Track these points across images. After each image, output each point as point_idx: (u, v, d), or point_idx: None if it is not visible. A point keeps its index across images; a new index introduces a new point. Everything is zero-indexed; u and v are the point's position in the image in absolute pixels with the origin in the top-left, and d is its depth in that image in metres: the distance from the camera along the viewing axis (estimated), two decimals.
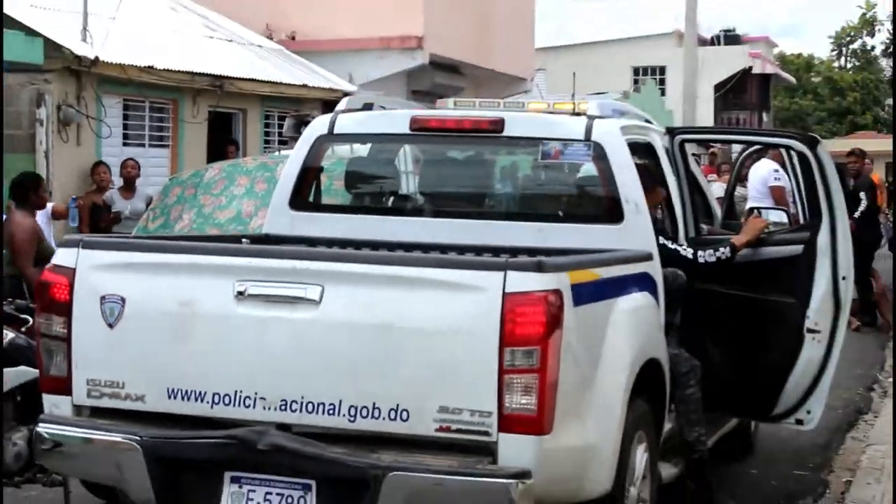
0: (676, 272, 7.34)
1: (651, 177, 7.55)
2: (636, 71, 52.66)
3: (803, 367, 7.85)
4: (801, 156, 8.19)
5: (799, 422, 8.07)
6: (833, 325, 7.86)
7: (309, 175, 7.97)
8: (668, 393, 6.92)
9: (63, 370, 6.02)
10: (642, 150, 7.82)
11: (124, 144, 18.08)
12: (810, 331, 7.83)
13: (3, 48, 13.69)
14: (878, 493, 8.29)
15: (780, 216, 9.62)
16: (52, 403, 6.09)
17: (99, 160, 15.96)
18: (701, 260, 7.39)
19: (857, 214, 14.92)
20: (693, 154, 16.14)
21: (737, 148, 28.33)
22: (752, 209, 10.07)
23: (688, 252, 7.42)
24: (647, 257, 6.90)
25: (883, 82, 64.03)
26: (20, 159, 14.54)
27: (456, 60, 26.11)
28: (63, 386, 6.03)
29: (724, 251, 7.46)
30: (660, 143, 8.11)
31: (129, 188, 15.10)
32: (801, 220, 8.50)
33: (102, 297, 5.94)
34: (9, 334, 7.51)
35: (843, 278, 7.89)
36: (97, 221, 14.41)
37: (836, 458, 9.80)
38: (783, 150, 9.21)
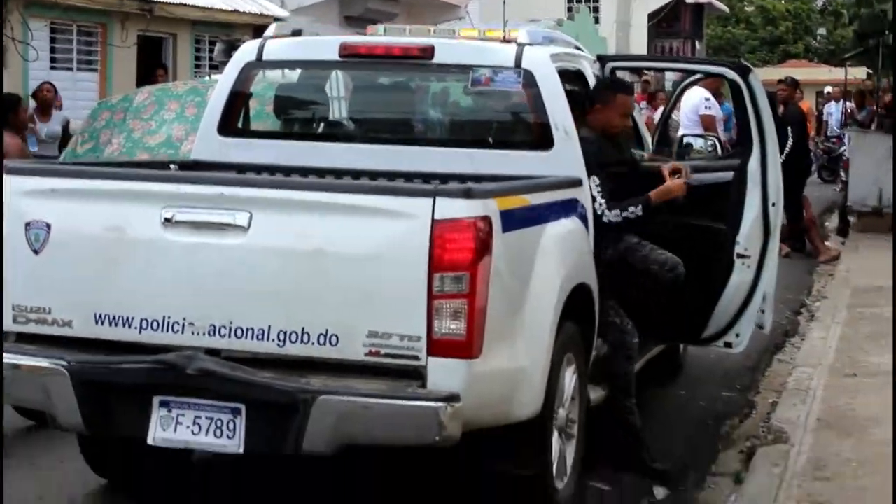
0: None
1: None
2: None
3: (732, 292, 7.95)
4: (734, 84, 8.23)
5: (728, 345, 8.20)
6: (762, 251, 7.96)
7: (237, 101, 7.90)
8: (597, 317, 6.94)
9: None
10: (573, 78, 7.83)
11: (52, 69, 17.90)
12: (740, 256, 7.93)
13: None
14: (802, 413, 8.40)
15: (708, 143, 9.69)
16: None
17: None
18: (605, 219, 7.29)
19: (786, 151, 15.06)
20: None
21: (670, 76, 28.56)
22: (682, 137, 10.13)
23: (599, 207, 7.38)
24: (577, 183, 6.91)
25: (815, 12, 64.29)
26: None
27: None
28: None
29: (634, 210, 7.32)
30: (590, 70, 8.13)
31: (45, 112, 14.84)
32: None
33: (27, 224, 5.90)
34: None
35: (773, 205, 7.99)
36: None
37: (763, 380, 9.91)
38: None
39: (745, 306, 7.99)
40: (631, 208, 7.31)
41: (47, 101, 14.99)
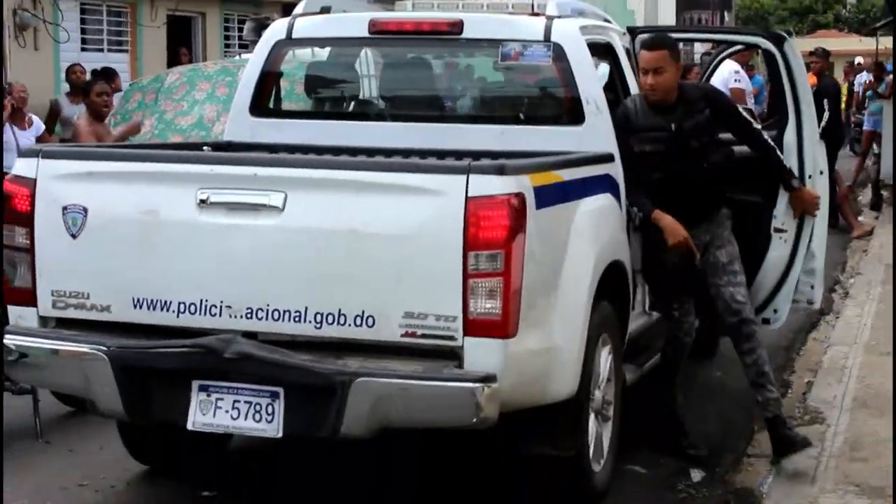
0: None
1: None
2: None
3: (770, 267, 7.89)
4: (768, 53, 8.17)
5: (766, 321, 8.09)
6: (799, 225, 7.89)
7: (268, 80, 7.91)
8: (631, 294, 6.93)
9: (28, 281, 6.00)
10: (602, 50, 7.80)
11: (82, 50, 17.94)
12: (777, 230, 7.85)
13: None
14: (839, 392, 8.38)
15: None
16: (18, 315, 6.08)
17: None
18: None
19: (822, 124, 14.94)
20: None
21: (698, 49, 28.40)
22: None
23: None
24: (609, 158, 6.88)
25: None
26: None
27: None
28: (28, 297, 6.02)
29: (636, 212, 7.15)
30: (619, 43, 8.08)
31: (77, 93, 14.24)
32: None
33: (65, 208, 5.91)
34: None
35: (810, 177, 7.92)
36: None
37: (798, 359, 9.87)
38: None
39: (783, 281, 7.94)
40: (635, 209, 7.14)
41: (80, 82, 14.47)
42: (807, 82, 8.09)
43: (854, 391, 8.31)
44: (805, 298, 8.19)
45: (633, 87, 7.85)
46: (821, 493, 6.50)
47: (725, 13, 58.91)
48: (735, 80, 16.58)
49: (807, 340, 10.50)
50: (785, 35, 8.30)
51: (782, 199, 7.77)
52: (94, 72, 14.51)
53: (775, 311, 8.01)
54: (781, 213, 7.81)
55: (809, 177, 7.91)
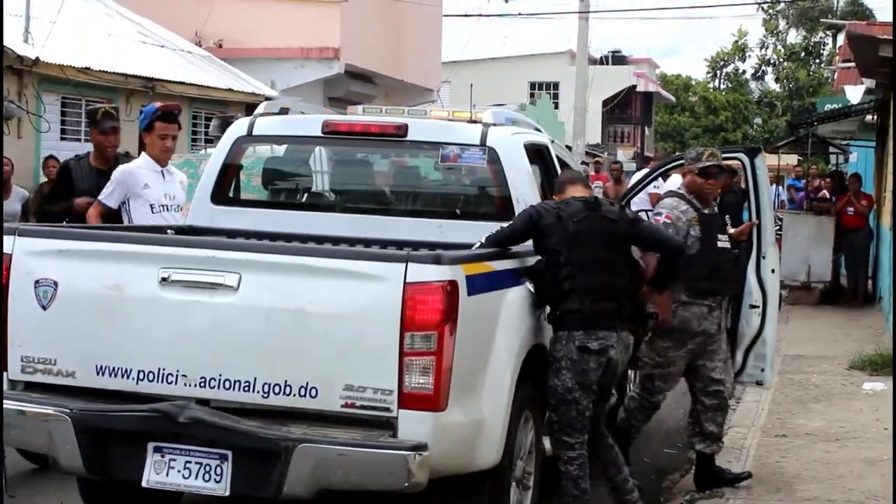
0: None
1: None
2: (532, 86, 52.90)
3: (748, 334, 8.27)
4: (741, 162, 8.52)
5: (759, 382, 8.59)
6: (763, 302, 8.24)
7: (229, 172, 7.95)
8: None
9: None
10: (539, 153, 7.94)
11: (62, 139, 17.91)
12: (752, 306, 8.22)
13: None
14: (736, 469, 8.39)
15: None
16: None
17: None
18: None
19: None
20: (582, 162, 16.36)
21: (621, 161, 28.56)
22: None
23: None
24: (535, 252, 6.92)
25: (752, 103, 64.84)
26: None
27: (369, 71, 26.10)
28: None
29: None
30: (550, 148, 8.19)
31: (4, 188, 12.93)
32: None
33: (37, 281, 5.88)
34: None
35: (773, 271, 8.29)
36: None
37: None
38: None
39: (753, 346, 8.33)
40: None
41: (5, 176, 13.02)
42: (767, 188, 8.49)
43: (751, 469, 8.33)
44: (754, 379, 8.49)
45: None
46: None
47: (646, 127, 59.63)
48: (654, 187, 17.12)
49: None
50: (759, 148, 8.63)
51: (748, 285, 8.16)
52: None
53: (762, 370, 8.41)
54: (749, 295, 8.22)
55: (773, 271, 8.29)
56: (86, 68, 17.23)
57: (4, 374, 5.96)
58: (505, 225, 6.63)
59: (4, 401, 5.86)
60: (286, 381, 5.56)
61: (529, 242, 6.75)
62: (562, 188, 6.95)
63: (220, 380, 5.63)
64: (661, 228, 7.41)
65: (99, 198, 8.15)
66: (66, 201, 8.55)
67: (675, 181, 17.55)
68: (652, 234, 7.16)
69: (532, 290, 6.55)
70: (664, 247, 7.13)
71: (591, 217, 6.67)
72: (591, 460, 6.85)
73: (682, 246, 7.40)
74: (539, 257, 6.61)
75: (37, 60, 16.09)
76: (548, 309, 6.66)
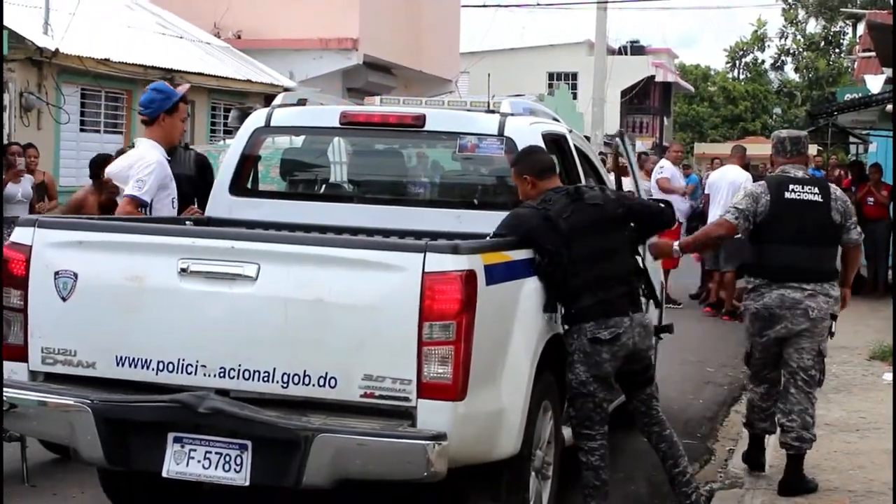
0: None
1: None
2: (551, 76, 52.92)
3: None
4: None
5: None
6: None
7: (247, 163, 7.96)
8: None
9: (20, 339, 5.97)
10: (557, 143, 7.89)
11: (81, 130, 17.95)
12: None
13: None
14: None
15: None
16: (10, 369, 6.02)
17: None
18: None
19: None
20: (600, 153, 16.34)
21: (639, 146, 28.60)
22: None
23: None
24: None
25: (771, 93, 64.68)
26: None
27: (388, 62, 26.09)
28: (20, 353, 5.98)
29: None
30: (568, 138, 8.18)
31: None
32: None
33: (56, 273, 5.90)
34: None
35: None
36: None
37: (721, 429, 9.90)
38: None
39: None
40: None
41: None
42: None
43: (770, 459, 8.30)
44: None
45: (581, 177, 7.94)
46: None
47: (665, 118, 59.50)
48: (659, 172, 18.38)
49: (729, 413, 10.52)
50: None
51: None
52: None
53: None
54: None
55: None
56: (105, 59, 17.29)
57: (25, 364, 5.98)
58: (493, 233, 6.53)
59: (26, 391, 5.91)
60: (305, 371, 5.56)
61: None
62: (542, 175, 6.77)
63: (239, 370, 5.64)
64: (646, 200, 7.43)
65: (134, 193, 7.41)
66: None
67: (669, 170, 18.22)
68: (643, 206, 7.16)
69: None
70: (658, 216, 7.14)
71: (578, 209, 6.56)
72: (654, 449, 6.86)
73: (673, 214, 7.47)
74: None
75: (56, 52, 16.14)
76: (561, 309, 6.65)
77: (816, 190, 7.54)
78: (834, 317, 7.60)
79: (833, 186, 7.81)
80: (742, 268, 8.07)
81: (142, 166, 7.50)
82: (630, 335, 6.57)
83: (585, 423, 6.59)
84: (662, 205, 7.95)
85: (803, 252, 7.46)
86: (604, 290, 6.52)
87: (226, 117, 20.04)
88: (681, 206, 17.19)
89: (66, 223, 6.23)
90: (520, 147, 7.15)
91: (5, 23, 15.07)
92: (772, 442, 8.46)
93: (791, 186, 7.51)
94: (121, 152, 9.37)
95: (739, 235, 7.73)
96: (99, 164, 9.53)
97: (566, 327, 6.59)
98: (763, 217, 7.49)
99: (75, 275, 5.88)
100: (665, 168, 18.76)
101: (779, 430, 7.67)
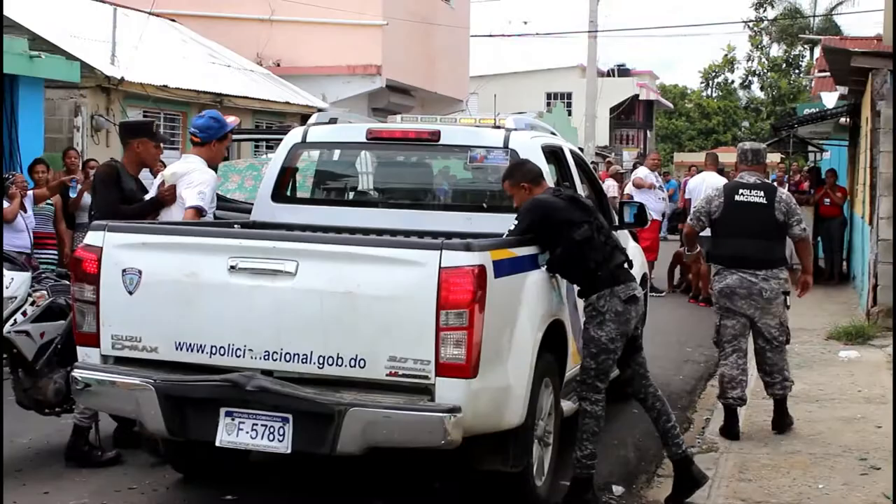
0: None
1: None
2: (549, 96, 52.76)
3: None
4: None
5: None
6: None
7: (286, 174, 7.98)
8: (569, 347, 6.89)
9: (93, 327, 5.99)
10: (555, 154, 7.91)
11: None
12: None
13: (49, 69, 13.60)
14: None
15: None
16: (85, 353, 6.06)
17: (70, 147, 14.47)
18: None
19: None
20: (592, 162, 16.35)
21: (626, 160, 28.57)
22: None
23: None
24: None
25: (740, 108, 64.46)
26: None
27: (407, 85, 26.08)
28: (93, 340, 6.01)
29: None
30: (566, 149, 8.17)
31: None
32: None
33: (124, 270, 5.91)
34: (56, 296, 7.48)
35: None
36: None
37: (699, 401, 9.87)
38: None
39: None
40: None
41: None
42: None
43: (741, 427, 8.30)
44: None
45: (577, 182, 7.95)
46: None
47: (648, 132, 59.36)
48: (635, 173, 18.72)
49: (705, 387, 10.49)
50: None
51: None
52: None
53: None
54: None
55: None
56: (163, 86, 17.31)
57: (98, 349, 6.00)
58: (517, 223, 6.47)
59: (99, 373, 5.93)
60: (338, 354, 5.56)
61: None
62: (537, 182, 6.74)
63: (281, 353, 5.65)
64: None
65: (198, 204, 7.34)
66: (134, 201, 7.68)
67: (643, 171, 18.29)
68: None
69: (560, 274, 6.53)
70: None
71: (570, 201, 6.62)
72: (647, 410, 6.81)
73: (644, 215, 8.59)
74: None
75: (122, 80, 16.18)
76: (567, 291, 6.65)
77: (762, 194, 8.02)
78: (787, 293, 8.09)
79: (780, 191, 8.22)
80: (707, 256, 8.47)
81: (202, 179, 7.48)
82: (642, 298, 6.66)
83: (601, 376, 6.52)
84: (636, 207, 8.83)
85: (750, 244, 7.95)
86: (623, 255, 6.67)
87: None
88: (655, 205, 17.27)
89: (132, 227, 6.23)
90: (522, 157, 7.14)
91: (78, 55, 15.12)
92: (743, 413, 8.47)
93: (741, 191, 8.04)
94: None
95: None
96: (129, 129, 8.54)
97: (595, 292, 6.49)
98: (717, 215, 8.07)
99: (140, 272, 5.89)
100: (640, 170, 19.02)
101: (766, 387, 8.32)
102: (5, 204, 11.31)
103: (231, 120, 7.96)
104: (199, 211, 7.34)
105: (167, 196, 7.51)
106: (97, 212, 7.55)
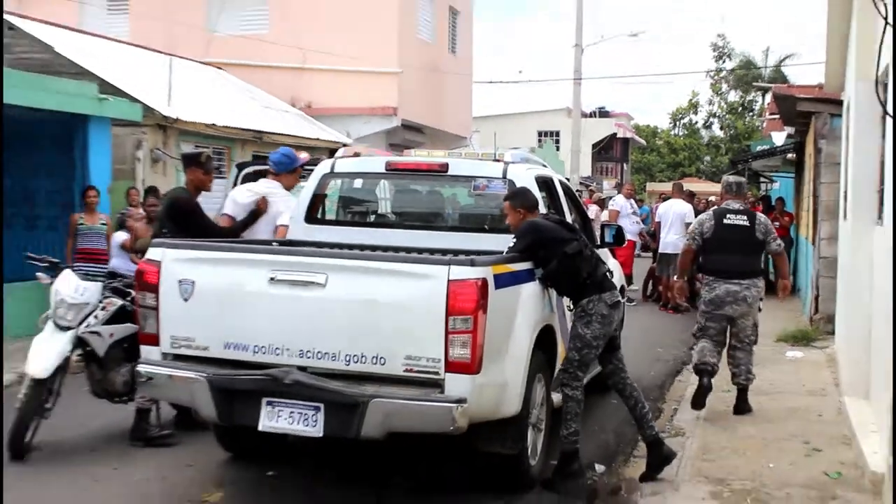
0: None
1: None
2: (540, 134, 52.77)
3: None
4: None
5: None
6: None
7: (317, 200, 8.01)
8: (558, 348, 6.89)
9: (154, 329, 6.03)
10: (546, 183, 7.93)
11: None
12: None
13: (115, 110, 13.66)
14: (694, 415, 8.38)
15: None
16: (147, 351, 6.10)
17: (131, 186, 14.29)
18: None
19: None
20: (577, 190, 16.37)
21: (606, 189, 28.50)
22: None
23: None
24: None
25: (703, 145, 64.38)
26: (126, 185, 14.47)
27: (419, 123, 26.11)
28: (154, 340, 6.04)
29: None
30: (555, 179, 8.21)
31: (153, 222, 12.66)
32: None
33: (180, 281, 5.95)
34: (119, 301, 7.52)
35: None
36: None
37: (668, 393, 9.86)
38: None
39: None
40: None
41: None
42: None
43: (704, 415, 8.31)
44: None
45: (565, 208, 7.98)
46: (681, 481, 6.48)
47: (624, 164, 59.35)
48: (611, 204, 18.42)
49: (673, 382, 10.50)
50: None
51: None
52: (146, 189, 13.66)
53: None
54: None
55: None
56: (212, 124, 17.33)
57: (158, 348, 6.02)
58: (515, 242, 6.47)
59: (159, 367, 5.95)
60: (362, 353, 5.59)
61: None
62: (532, 209, 6.79)
63: (313, 352, 5.67)
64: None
65: (286, 223, 7.90)
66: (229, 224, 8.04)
67: (620, 200, 18.26)
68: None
69: (552, 286, 6.55)
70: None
71: (559, 223, 6.78)
72: (625, 399, 6.78)
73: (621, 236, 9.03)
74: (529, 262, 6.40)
75: (176, 119, 16.22)
76: (557, 301, 6.67)
77: (745, 218, 8.38)
78: (761, 299, 8.48)
79: (759, 215, 8.60)
80: (699, 269, 8.71)
81: (289, 205, 8.04)
82: (622, 305, 6.68)
83: (582, 367, 6.56)
84: (615, 228, 9.18)
85: (736, 259, 8.26)
86: (605, 268, 6.71)
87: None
88: (631, 227, 17.35)
89: (186, 245, 6.27)
90: (519, 186, 7.18)
91: (140, 98, 15.18)
92: (709, 401, 8.48)
93: (728, 215, 8.39)
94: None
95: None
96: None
97: (584, 297, 6.53)
98: (708, 236, 8.37)
99: (193, 282, 5.93)
100: (616, 201, 18.89)
101: (732, 377, 8.54)
102: (124, 235, 11.43)
103: (303, 156, 8.50)
104: (287, 228, 7.84)
105: (263, 207, 8.00)
106: (199, 228, 7.47)
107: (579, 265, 6.48)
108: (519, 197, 6.84)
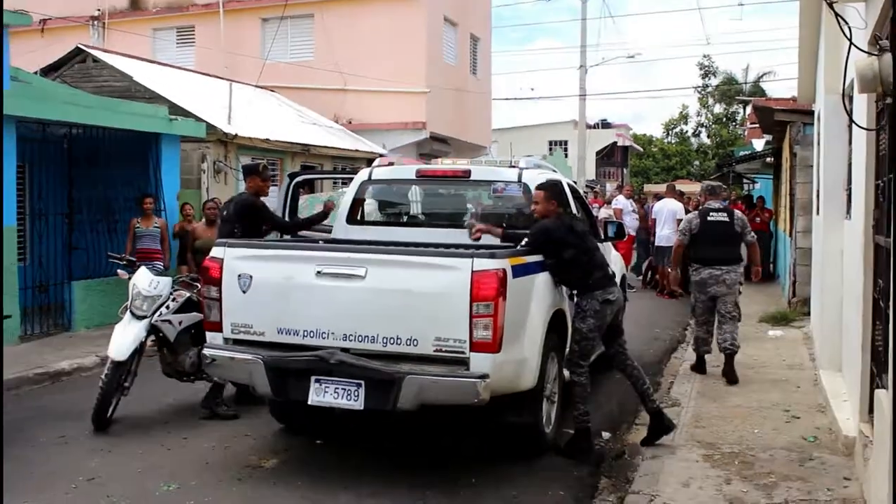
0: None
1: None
2: (550, 143, 52.58)
3: None
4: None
5: None
6: None
7: (357, 204, 7.97)
8: (568, 329, 6.80)
9: (217, 318, 6.02)
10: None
11: None
12: None
13: (183, 128, 13.69)
14: (689, 388, 8.30)
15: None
16: (211, 337, 6.09)
17: (210, 198, 13.64)
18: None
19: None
20: (583, 192, 16.25)
21: (608, 190, 28.36)
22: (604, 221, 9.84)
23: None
24: None
25: (692, 151, 63.91)
26: (193, 194, 14.51)
27: (445, 135, 26.05)
28: (217, 327, 6.03)
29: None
30: (565, 182, 8.09)
31: (211, 224, 11.62)
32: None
33: (239, 275, 5.94)
34: (187, 293, 7.52)
35: None
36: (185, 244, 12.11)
37: (665, 369, 9.75)
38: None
39: None
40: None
41: (213, 216, 11.63)
42: None
43: (697, 388, 8.23)
44: None
45: (573, 208, 7.89)
46: (677, 446, 6.41)
47: (624, 169, 59.01)
48: (614, 203, 18.04)
49: (670, 359, 10.38)
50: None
51: None
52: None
53: None
54: None
55: None
56: (266, 139, 17.35)
57: (221, 334, 5.99)
58: (527, 241, 6.41)
59: (222, 351, 5.93)
60: (397, 336, 5.56)
61: None
62: (562, 205, 6.72)
63: (355, 335, 5.65)
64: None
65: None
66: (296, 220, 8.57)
67: (621, 200, 18.03)
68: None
69: (559, 280, 6.45)
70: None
71: (573, 223, 6.61)
72: (628, 377, 6.67)
73: (622, 230, 9.05)
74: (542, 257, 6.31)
75: (236, 135, 16.25)
76: (566, 290, 6.58)
77: (725, 215, 8.82)
78: (741, 283, 8.88)
79: (737, 212, 9.09)
80: (690, 257, 8.99)
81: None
82: (618, 298, 6.56)
83: (584, 356, 6.50)
84: (616, 225, 9.18)
85: (719, 249, 8.69)
86: (601, 269, 6.56)
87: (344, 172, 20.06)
88: (631, 223, 17.32)
89: (245, 244, 6.25)
90: (532, 189, 7.11)
91: (204, 118, 15.21)
92: (697, 378, 8.38)
93: (711, 213, 8.81)
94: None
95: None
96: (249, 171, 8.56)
97: (580, 296, 6.48)
98: (696, 231, 8.78)
99: (251, 276, 5.92)
100: (618, 200, 18.73)
101: (719, 344, 8.69)
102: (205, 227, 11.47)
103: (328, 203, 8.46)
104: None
105: (331, 207, 8.19)
106: (269, 223, 7.73)
107: (570, 269, 6.41)
108: (553, 189, 6.67)
